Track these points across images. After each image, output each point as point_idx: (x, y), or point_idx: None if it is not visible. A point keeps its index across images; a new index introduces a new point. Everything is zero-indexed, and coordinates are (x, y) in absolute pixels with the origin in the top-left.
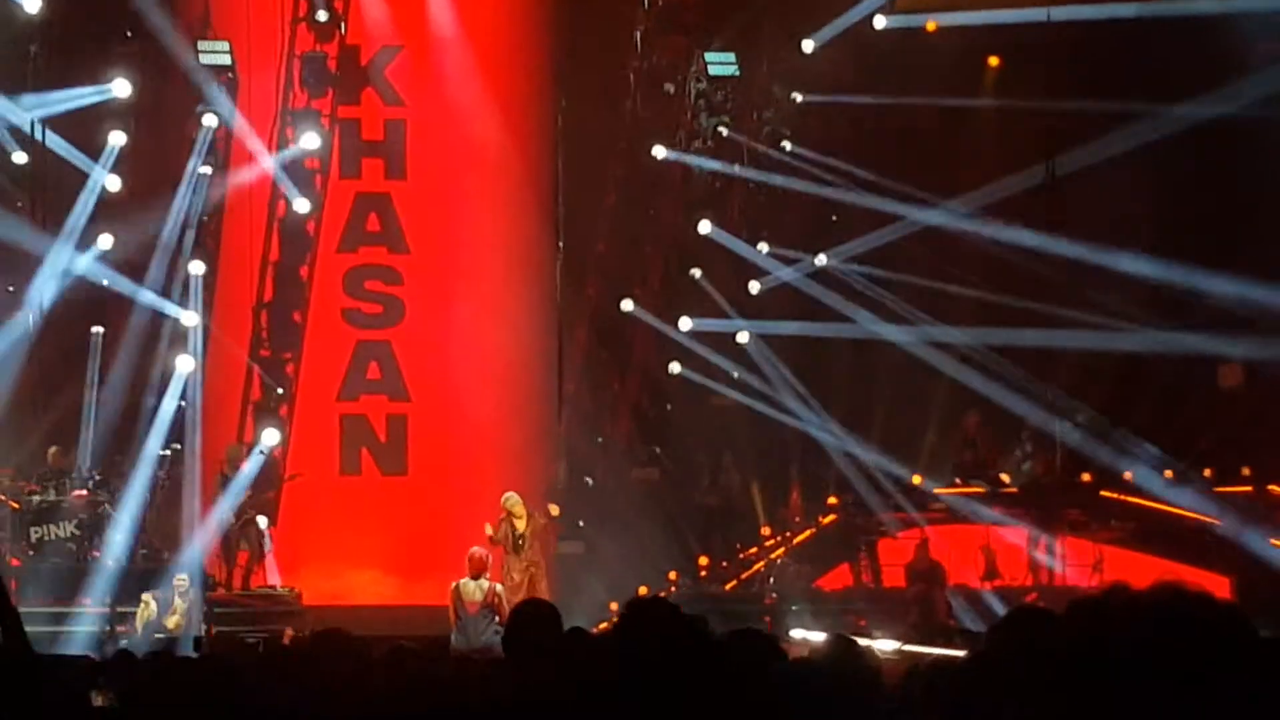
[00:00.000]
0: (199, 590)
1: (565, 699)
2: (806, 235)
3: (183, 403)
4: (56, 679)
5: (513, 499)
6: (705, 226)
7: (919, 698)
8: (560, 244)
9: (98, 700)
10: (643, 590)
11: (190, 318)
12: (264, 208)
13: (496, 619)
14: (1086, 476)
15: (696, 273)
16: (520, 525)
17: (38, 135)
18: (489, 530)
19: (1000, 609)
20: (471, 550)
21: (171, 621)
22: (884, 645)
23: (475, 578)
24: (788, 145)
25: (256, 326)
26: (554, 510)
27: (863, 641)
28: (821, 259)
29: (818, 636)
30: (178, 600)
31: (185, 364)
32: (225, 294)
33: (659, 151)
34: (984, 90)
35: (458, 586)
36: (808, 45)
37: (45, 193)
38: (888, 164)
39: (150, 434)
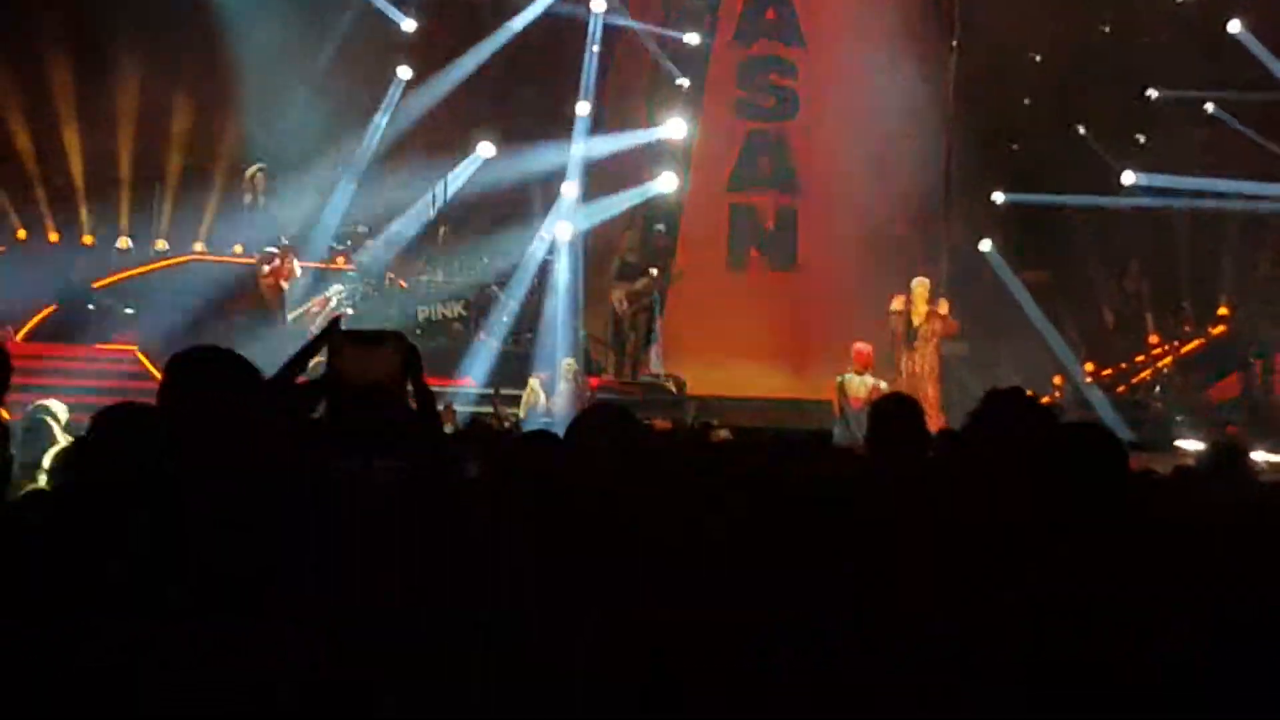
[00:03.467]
0: (583, 376)
1: (924, 487)
2: None
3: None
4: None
5: (919, 283)
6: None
7: None
8: (955, 42)
9: (472, 471)
10: (1029, 392)
11: (582, 107)
12: None
13: None
14: None
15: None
16: (916, 318)
17: None
18: (895, 305)
19: None
20: (856, 344)
21: (556, 405)
22: (1270, 457)
23: (860, 373)
24: None
25: (649, 112)
26: (944, 307)
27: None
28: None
29: (1201, 446)
30: (562, 384)
31: (576, 149)
32: (619, 79)
33: None
34: None
35: (842, 380)
36: None
37: None
38: None
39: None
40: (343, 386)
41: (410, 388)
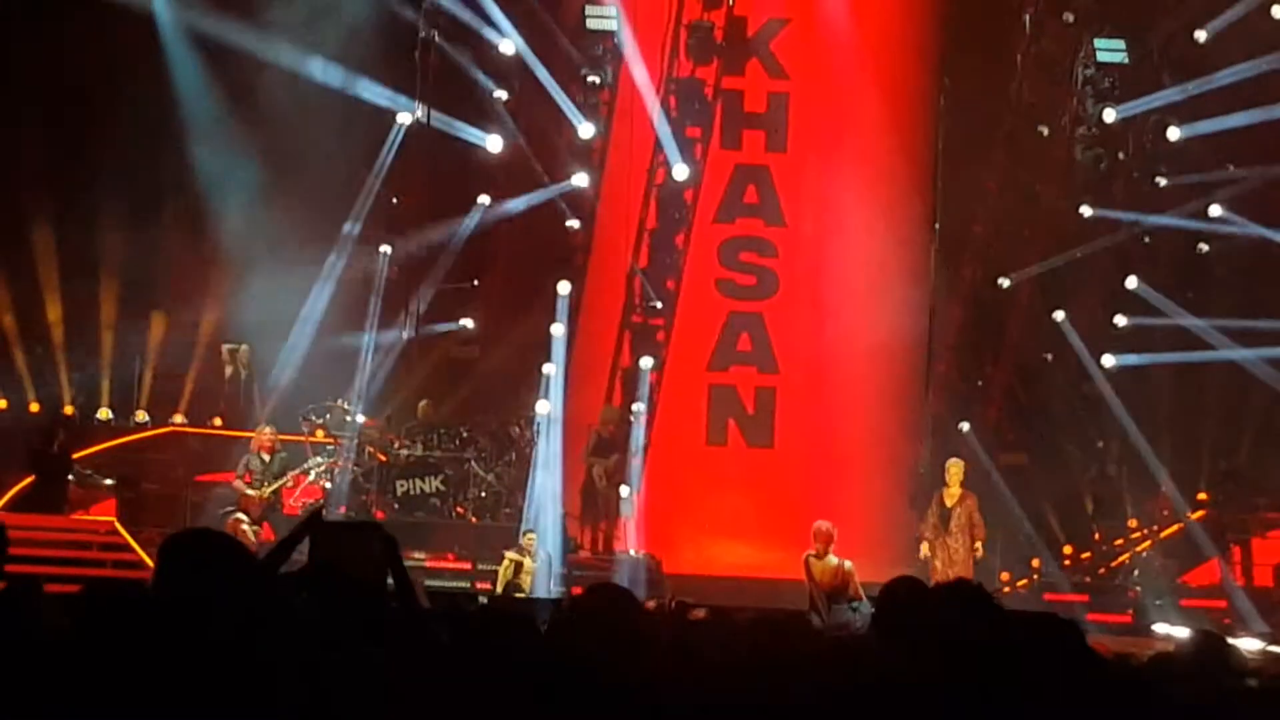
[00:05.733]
0: (560, 552)
1: (929, 681)
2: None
3: (551, 367)
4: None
5: (953, 464)
6: (1087, 211)
7: None
8: (937, 224)
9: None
10: (1005, 576)
11: (564, 286)
12: (643, 174)
13: (851, 595)
14: None
15: (1076, 253)
16: (950, 500)
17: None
18: (924, 550)
19: None
20: (816, 524)
21: (525, 581)
22: (1250, 645)
23: (823, 553)
24: (1175, 134)
25: (629, 292)
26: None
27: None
28: (1204, 247)
29: (1181, 632)
30: (527, 560)
31: (557, 329)
32: (600, 259)
33: (1044, 130)
34: None
35: (808, 560)
36: (1200, 35)
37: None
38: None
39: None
40: (325, 575)
41: (390, 576)
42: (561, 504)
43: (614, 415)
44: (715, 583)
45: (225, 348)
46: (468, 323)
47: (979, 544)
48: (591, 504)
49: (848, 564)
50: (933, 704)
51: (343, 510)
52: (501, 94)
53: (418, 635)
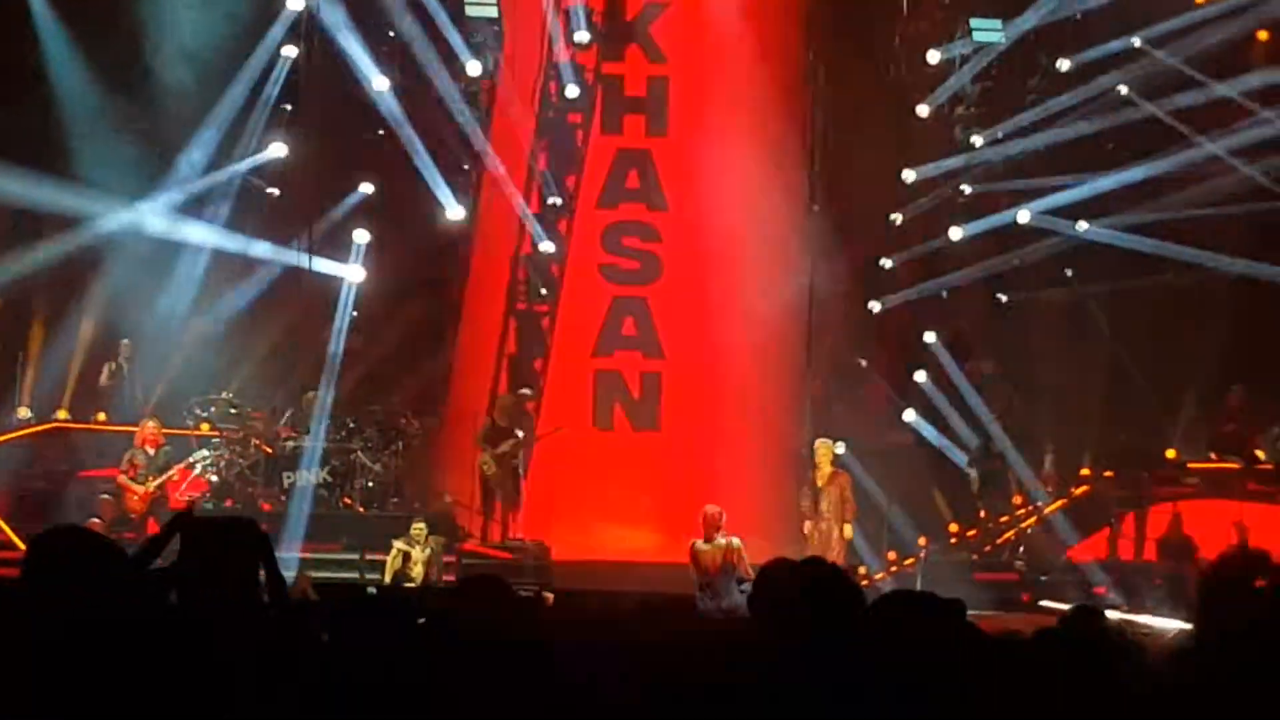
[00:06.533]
0: (448, 541)
1: (802, 664)
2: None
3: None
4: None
5: (821, 444)
6: (967, 189)
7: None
8: (815, 206)
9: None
10: (892, 555)
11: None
12: (524, 160)
13: (740, 578)
14: None
15: (956, 233)
16: (820, 479)
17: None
18: (806, 528)
19: None
20: (705, 509)
21: (415, 570)
22: (1132, 618)
23: (709, 537)
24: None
25: (514, 279)
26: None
27: (1112, 614)
28: (1083, 225)
29: (1066, 608)
30: (415, 550)
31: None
32: (484, 245)
33: (922, 110)
34: (1253, 64)
35: (694, 547)
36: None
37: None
38: (1155, 137)
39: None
40: (194, 574)
41: (261, 572)
42: (450, 492)
43: (509, 402)
44: (604, 568)
45: (107, 367)
46: (367, 187)
47: (847, 524)
48: (485, 492)
49: (735, 541)
50: (806, 687)
51: (229, 503)
52: (384, 82)
53: (292, 631)
